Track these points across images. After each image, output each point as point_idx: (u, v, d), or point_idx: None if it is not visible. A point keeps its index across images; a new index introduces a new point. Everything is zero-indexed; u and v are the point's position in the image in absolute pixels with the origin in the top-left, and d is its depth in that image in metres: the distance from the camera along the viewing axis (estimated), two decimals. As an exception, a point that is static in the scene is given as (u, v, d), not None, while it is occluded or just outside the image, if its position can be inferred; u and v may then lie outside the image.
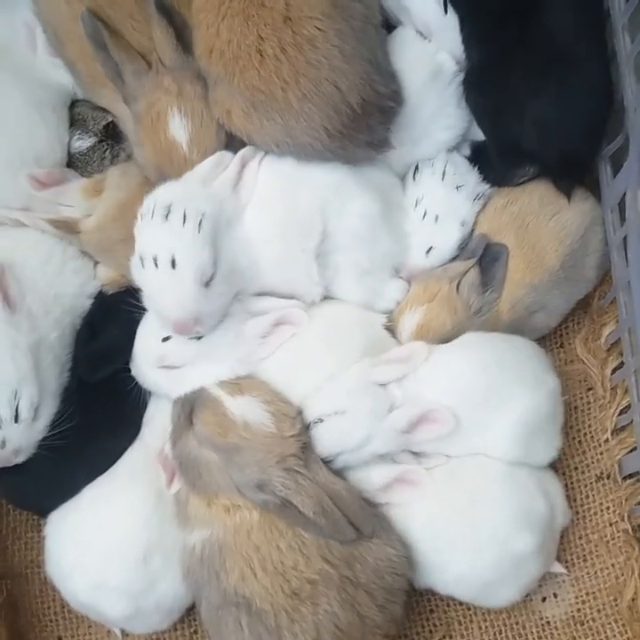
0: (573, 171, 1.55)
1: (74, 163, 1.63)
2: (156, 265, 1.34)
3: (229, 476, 1.34)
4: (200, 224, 1.35)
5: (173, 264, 1.33)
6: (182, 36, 1.45)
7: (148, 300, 1.40)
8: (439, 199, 1.54)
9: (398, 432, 1.41)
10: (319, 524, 1.32)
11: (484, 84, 1.51)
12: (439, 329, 1.49)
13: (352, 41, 1.36)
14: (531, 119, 1.47)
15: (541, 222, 1.53)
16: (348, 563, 1.35)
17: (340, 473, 1.42)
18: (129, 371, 1.46)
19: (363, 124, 1.39)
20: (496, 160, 1.55)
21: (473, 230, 1.56)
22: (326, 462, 1.39)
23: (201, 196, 1.39)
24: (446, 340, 1.49)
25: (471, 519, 1.42)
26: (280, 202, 1.45)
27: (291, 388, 1.44)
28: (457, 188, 1.54)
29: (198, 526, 1.38)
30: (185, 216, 1.35)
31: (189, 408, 1.39)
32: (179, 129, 1.44)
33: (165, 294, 1.35)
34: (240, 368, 1.43)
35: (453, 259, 1.56)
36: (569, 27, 1.44)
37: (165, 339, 1.40)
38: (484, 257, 1.51)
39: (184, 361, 1.41)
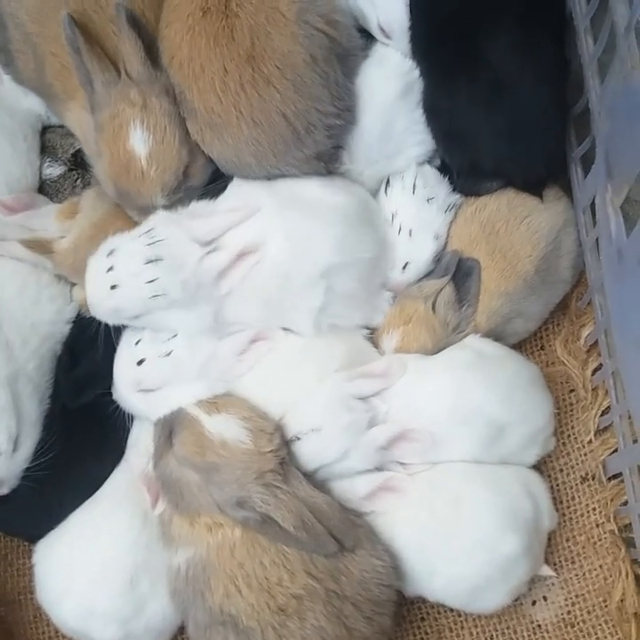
0: (538, 186, 1.55)
1: (45, 189, 1.65)
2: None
3: (210, 494, 1.35)
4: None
5: None
6: (151, 51, 1.46)
7: None
8: (412, 213, 1.55)
9: (377, 448, 1.42)
10: (300, 539, 1.32)
11: (436, 108, 1.51)
12: (420, 350, 1.50)
13: (309, 71, 1.40)
14: (484, 148, 1.49)
15: (512, 227, 1.53)
16: (334, 576, 1.36)
17: (321, 486, 1.42)
18: (111, 394, 1.47)
19: (309, 142, 1.43)
20: (458, 179, 1.57)
21: (446, 243, 1.57)
22: (307, 476, 1.39)
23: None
24: None
25: (456, 524, 1.43)
26: (287, 259, 1.43)
27: (272, 402, 1.44)
28: (428, 200, 1.55)
29: (182, 546, 1.39)
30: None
31: (168, 429, 1.40)
32: (139, 142, 1.42)
33: None
34: (217, 386, 1.43)
35: (428, 274, 1.57)
36: (507, 55, 1.43)
37: (140, 362, 1.41)
38: (456, 273, 1.52)
39: (161, 383, 1.41)
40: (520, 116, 1.45)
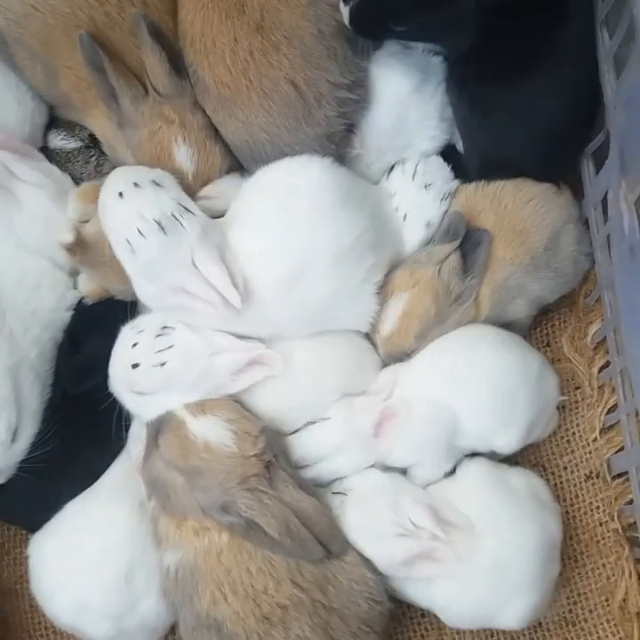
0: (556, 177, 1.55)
1: (53, 158, 1.59)
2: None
3: (195, 498, 1.32)
4: None
5: None
6: (174, 59, 1.44)
7: None
8: (409, 197, 1.53)
9: (369, 439, 1.41)
10: (285, 545, 1.29)
11: (484, 103, 1.47)
12: (423, 316, 1.46)
13: (316, 44, 1.41)
14: (521, 140, 1.47)
15: (519, 205, 1.51)
16: (321, 586, 1.33)
17: (309, 488, 1.38)
18: (111, 384, 1.45)
19: (320, 117, 1.43)
20: (474, 173, 1.54)
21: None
22: (296, 477, 1.37)
23: None
24: (428, 329, 1.47)
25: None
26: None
27: (289, 410, 1.43)
28: (426, 186, 1.53)
29: (170, 548, 1.36)
30: None
31: (156, 429, 1.37)
32: (185, 159, 1.43)
33: None
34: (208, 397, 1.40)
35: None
36: (572, 43, 1.42)
37: (135, 365, 1.37)
38: (465, 241, 1.48)
39: (154, 389, 1.38)
40: (570, 113, 1.45)
